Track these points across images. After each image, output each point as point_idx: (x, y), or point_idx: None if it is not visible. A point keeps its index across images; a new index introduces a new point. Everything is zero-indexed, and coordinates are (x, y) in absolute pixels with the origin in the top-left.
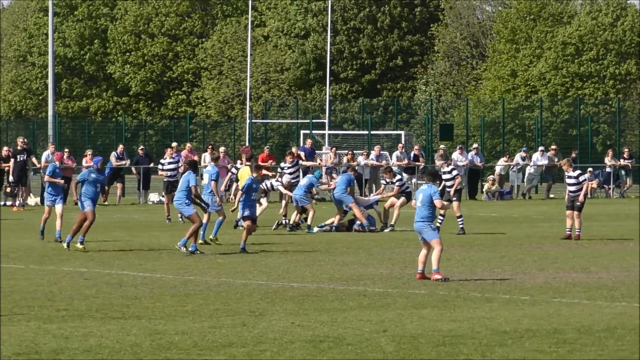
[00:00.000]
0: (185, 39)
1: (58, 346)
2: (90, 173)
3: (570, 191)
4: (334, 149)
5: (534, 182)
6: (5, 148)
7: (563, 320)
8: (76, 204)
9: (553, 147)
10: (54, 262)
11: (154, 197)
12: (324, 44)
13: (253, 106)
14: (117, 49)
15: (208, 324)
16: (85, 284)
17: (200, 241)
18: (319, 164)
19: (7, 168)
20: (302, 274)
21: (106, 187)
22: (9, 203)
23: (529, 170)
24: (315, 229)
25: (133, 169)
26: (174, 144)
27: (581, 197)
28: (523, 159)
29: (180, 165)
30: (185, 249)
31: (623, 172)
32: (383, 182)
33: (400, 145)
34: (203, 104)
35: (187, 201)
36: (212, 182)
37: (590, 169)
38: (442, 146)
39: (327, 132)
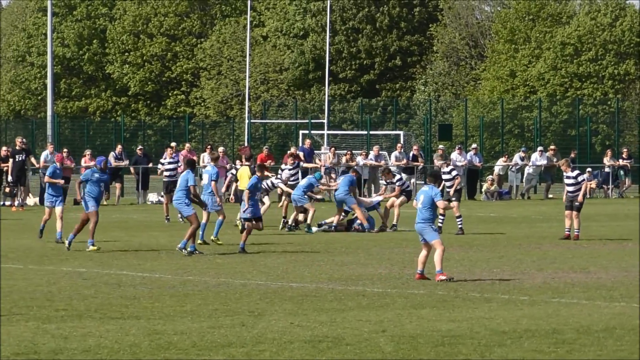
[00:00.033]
0: (184, 39)
1: (57, 346)
2: (94, 173)
3: (568, 191)
4: (333, 149)
5: (532, 182)
6: (4, 148)
7: (562, 321)
8: (76, 203)
9: (552, 147)
10: (53, 262)
11: (152, 197)
12: (322, 44)
13: (252, 106)
14: (116, 49)
15: (207, 324)
16: (84, 284)
17: (199, 241)
18: (318, 164)
19: (5, 168)
20: (301, 274)
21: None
22: (7, 203)
23: (528, 170)
24: (314, 229)
25: (132, 169)
26: (173, 144)
27: (580, 197)
28: (522, 159)
29: (180, 165)
30: (185, 250)
31: (622, 172)
32: (383, 182)
33: (399, 145)
34: (202, 104)
35: (186, 201)
36: (213, 183)
37: (589, 169)
38: (441, 146)
39: (326, 132)
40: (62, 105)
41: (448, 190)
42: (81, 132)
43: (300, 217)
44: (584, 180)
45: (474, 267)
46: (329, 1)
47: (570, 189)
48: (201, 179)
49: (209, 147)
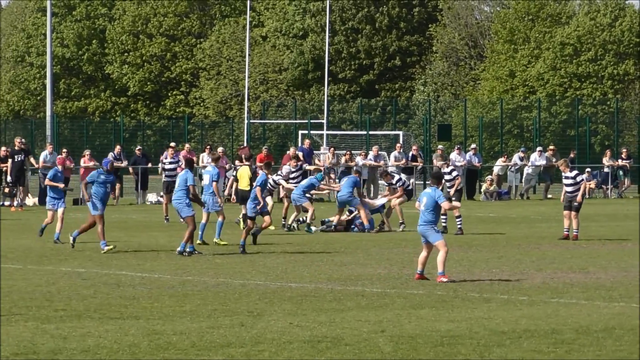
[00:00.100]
0: (183, 39)
1: (56, 346)
2: (100, 174)
3: (567, 192)
4: (332, 149)
5: (532, 182)
6: (3, 148)
7: (561, 321)
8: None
9: (551, 147)
10: (52, 263)
11: (152, 197)
12: (322, 44)
13: (251, 106)
14: (115, 49)
15: (206, 324)
16: (83, 284)
17: (198, 241)
18: (318, 164)
19: (5, 168)
20: (301, 274)
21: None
22: (7, 203)
23: (527, 170)
24: (314, 229)
25: (131, 169)
26: (172, 144)
27: (579, 198)
28: (521, 159)
29: (180, 164)
30: (185, 252)
31: (621, 173)
32: (384, 183)
33: (398, 145)
34: (201, 104)
35: (187, 201)
36: (214, 183)
37: (588, 169)
38: (440, 146)
39: (325, 132)
40: (61, 105)
41: (448, 190)
42: (80, 132)
43: (308, 215)
44: (582, 180)
45: (473, 268)
46: (328, 1)
47: (569, 189)
48: (201, 179)
49: (208, 147)
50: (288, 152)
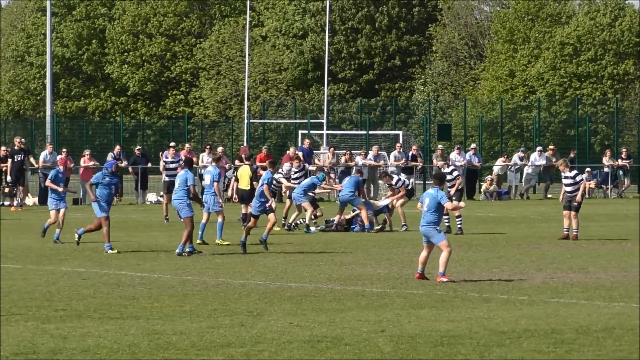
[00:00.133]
0: (183, 39)
1: (56, 346)
2: (105, 176)
3: (567, 191)
4: (332, 149)
5: (531, 182)
6: (3, 148)
7: (561, 321)
8: (75, 203)
9: (551, 147)
10: (52, 262)
11: (151, 197)
12: (322, 44)
13: (251, 106)
14: (115, 49)
15: (206, 324)
16: (83, 284)
17: (198, 241)
18: (318, 164)
19: (4, 168)
20: (300, 274)
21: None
22: (7, 203)
23: (527, 170)
24: (313, 229)
25: (130, 169)
26: (172, 144)
27: (578, 197)
28: (521, 159)
29: (181, 164)
30: (185, 253)
31: (621, 172)
32: (386, 183)
33: (398, 145)
34: (201, 104)
35: (188, 201)
36: (215, 184)
37: (588, 169)
38: (440, 146)
39: (325, 132)
40: (61, 105)
41: (449, 190)
42: (80, 132)
43: (318, 212)
44: (582, 180)
45: (473, 267)
46: (328, 1)
47: (569, 189)
48: (201, 179)
49: (208, 147)
50: (288, 151)
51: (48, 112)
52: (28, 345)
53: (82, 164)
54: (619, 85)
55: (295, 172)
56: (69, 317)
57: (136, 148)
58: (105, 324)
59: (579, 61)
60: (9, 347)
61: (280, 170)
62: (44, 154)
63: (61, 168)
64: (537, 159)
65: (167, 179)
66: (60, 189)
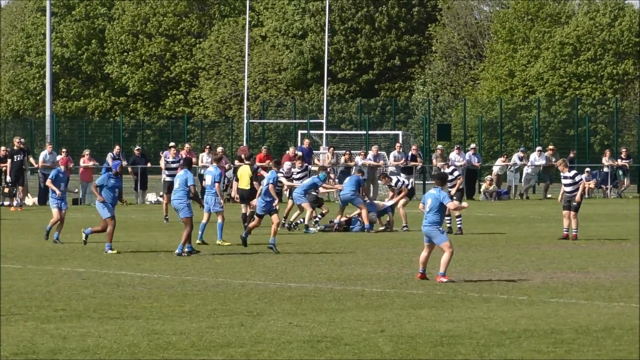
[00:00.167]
0: (182, 39)
1: (56, 346)
2: (109, 178)
3: (566, 191)
4: (332, 149)
5: (531, 182)
6: (2, 148)
7: (561, 321)
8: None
9: (551, 147)
10: (52, 262)
11: (151, 197)
12: (321, 44)
13: (251, 106)
14: (114, 49)
15: (206, 324)
16: (83, 284)
17: (197, 241)
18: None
19: (4, 168)
20: (300, 274)
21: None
22: (6, 203)
23: (527, 170)
24: (312, 229)
25: (130, 169)
26: (172, 144)
27: (578, 197)
28: (520, 159)
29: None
30: (185, 253)
31: (621, 172)
32: (386, 185)
33: (397, 145)
34: (201, 104)
35: (188, 201)
36: (216, 184)
37: (587, 169)
38: (439, 146)
39: (324, 132)
40: (60, 105)
41: (449, 189)
42: (80, 132)
43: (324, 210)
44: (581, 180)
45: (473, 267)
46: (327, 1)
47: (568, 189)
48: (201, 179)
49: (207, 147)
50: (287, 151)
51: (48, 112)
52: (28, 345)
53: (81, 164)
54: (619, 85)
55: (298, 172)
56: (68, 317)
57: (136, 148)
58: (105, 324)
59: (579, 61)
60: (9, 347)
61: (280, 170)
62: (43, 154)
63: (62, 168)
64: (536, 159)
65: (167, 179)
66: (59, 192)
